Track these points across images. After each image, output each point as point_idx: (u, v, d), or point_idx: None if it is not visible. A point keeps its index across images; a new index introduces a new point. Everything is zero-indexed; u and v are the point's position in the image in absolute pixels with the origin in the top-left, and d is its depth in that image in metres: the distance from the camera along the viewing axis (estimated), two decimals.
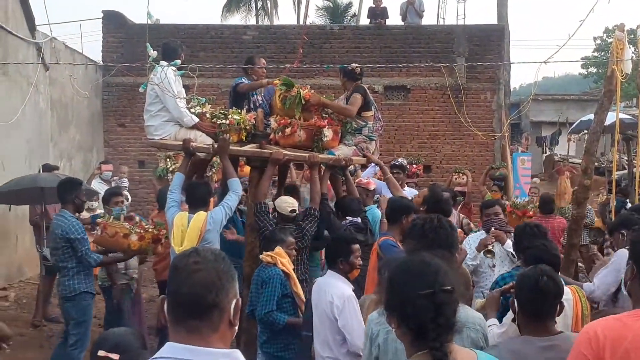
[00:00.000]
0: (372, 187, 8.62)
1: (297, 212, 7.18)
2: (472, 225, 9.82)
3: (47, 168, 11.80)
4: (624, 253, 5.49)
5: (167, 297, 2.40)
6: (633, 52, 9.54)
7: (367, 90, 7.86)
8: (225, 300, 2.35)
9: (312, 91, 7.51)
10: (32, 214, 10.69)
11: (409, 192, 9.54)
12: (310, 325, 5.50)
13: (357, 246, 5.53)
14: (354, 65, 7.96)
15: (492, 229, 7.13)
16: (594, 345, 2.79)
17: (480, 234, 7.36)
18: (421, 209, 6.75)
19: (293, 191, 8.30)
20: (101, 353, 3.20)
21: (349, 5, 36.77)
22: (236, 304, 2.39)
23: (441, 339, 2.54)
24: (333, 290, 5.25)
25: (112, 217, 7.50)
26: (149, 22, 8.94)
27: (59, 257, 7.16)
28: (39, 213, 10.16)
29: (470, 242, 7.21)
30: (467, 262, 6.75)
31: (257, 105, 8.05)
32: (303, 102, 7.27)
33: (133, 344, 3.33)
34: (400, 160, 11.02)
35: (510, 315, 4.11)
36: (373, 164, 8.99)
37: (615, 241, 6.15)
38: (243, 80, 8.15)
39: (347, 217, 7.46)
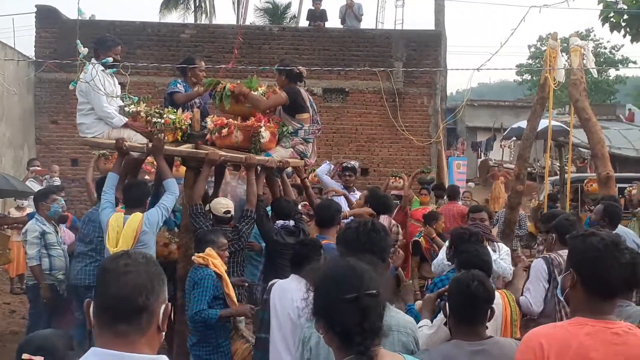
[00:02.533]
0: None
1: (232, 213, 7.11)
2: (400, 230, 9.81)
3: None
4: (538, 263, 5.75)
5: (94, 299, 2.31)
6: (566, 61, 9.75)
7: (302, 94, 7.74)
8: (155, 303, 2.28)
9: (239, 82, 7.54)
10: None
11: (354, 197, 9.73)
12: (267, 326, 5.36)
13: None
14: (302, 68, 7.92)
15: None
16: (538, 355, 2.80)
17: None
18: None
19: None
20: (25, 356, 3.11)
21: (288, 6, 36.82)
22: (166, 308, 2.33)
23: (367, 343, 2.55)
24: (301, 296, 5.00)
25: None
26: (80, 18, 8.79)
27: (92, 244, 7.32)
28: None
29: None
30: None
31: (197, 106, 7.93)
32: (229, 94, 7.29)
33: (58, 345, 3.25)
34: (352, 162, 10.89)
35: (441, 316, 4.13)
36: (327, 162, 9.10)
37: (547, 243, 6.32)
38: (179, 84, 7.84)
39: (279, 221, 7.41)
